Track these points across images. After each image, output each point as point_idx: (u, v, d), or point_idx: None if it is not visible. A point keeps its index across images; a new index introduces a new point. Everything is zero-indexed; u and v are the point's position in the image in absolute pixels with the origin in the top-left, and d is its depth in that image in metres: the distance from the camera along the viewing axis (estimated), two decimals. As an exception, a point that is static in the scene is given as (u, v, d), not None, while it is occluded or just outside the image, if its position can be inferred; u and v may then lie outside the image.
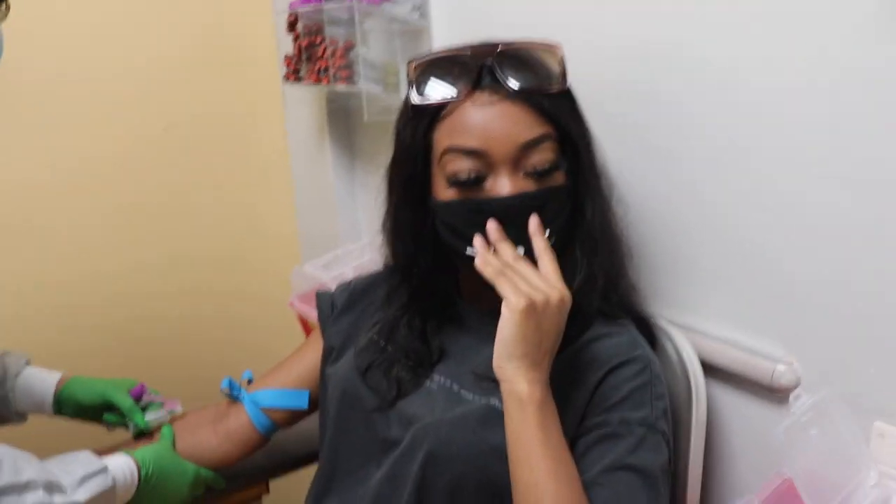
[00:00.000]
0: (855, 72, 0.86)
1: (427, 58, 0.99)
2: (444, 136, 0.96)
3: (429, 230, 1.01)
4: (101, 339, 1.65)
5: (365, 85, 1.43)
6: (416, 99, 0.97)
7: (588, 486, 0.88)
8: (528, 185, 0.95)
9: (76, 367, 1.25)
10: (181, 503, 1.12)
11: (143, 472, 1.04)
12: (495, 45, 0.97)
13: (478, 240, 0.94)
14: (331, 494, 1.10)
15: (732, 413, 1.10)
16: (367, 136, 1.71)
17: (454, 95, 0.95)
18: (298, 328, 1.66)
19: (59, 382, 1.21)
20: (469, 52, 0.97)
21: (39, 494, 0.86)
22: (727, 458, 1.11)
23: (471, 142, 0.94)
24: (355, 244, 1.66)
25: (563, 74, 0.97)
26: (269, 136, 1.84)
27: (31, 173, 1.57)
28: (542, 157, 0.94)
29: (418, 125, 0.98)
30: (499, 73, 0.94)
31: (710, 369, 1.07)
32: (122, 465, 1.01)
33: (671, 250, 1.13)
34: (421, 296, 1.07)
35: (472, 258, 0.94)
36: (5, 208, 1.55)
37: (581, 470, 0.89)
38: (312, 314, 1.25)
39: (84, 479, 0.93)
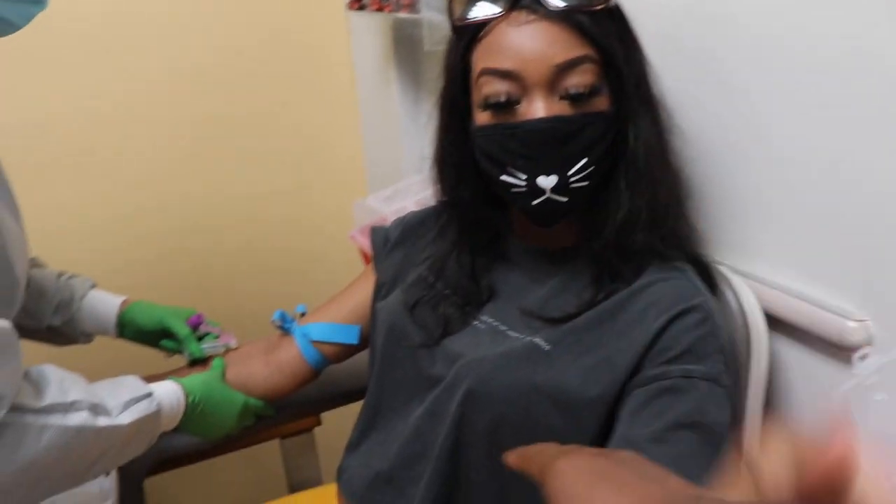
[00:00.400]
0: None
1: None
2: (480, 58, 0.93)
3: (469, 159, 0.98)
4: (162, 269, 1.68)
5: (427, 13, 1.38)
6: (455, 19, 0.94)
7: (651, 443, 0.84)
8: (563, 109, 0.90)
9: (138, 297, 1.27)
10: (229, 432, 1.14)
11: (189, 400, 1.05)
12: None
13: None
14: (375, 429, 1.10)
15: (795, 371, 1.03)
16: (433, 65, 1.65)
17: (491, 14, 0.91)
18: (361, 262, 1.65)
19: (122, 305, 1.24)
20: None
21: (84, 415, 0.88)
22: (790, 420, 1.05)
23: (504, 63, 0.89)
24: (418, 177, 1.63)
25: None
26: (336, 66, 1.81)
27: (94, 102, 1.58)
28: (580, 79, 0.89)
29: (458, 46, 0.95)
30: None
31: (772, 322, 1.01)
32: (168, 392, 1.03)
33: (733, 189, 1.04)
34: (469, 231, 1.05)
35: (507, 185, 0.92)
36: (71, 138, 1.57)
37: (641, 423, 0.86)
38: (372, 247, 1.24)
39: (129, 403, 0.95)
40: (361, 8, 1.56)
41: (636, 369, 0.90)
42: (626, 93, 0.93)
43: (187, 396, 1.05)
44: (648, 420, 0.87)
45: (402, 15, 1.43)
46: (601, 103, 0.91)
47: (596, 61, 0.90)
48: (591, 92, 0.90)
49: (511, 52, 0.89)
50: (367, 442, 1.11)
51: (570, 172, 0.91)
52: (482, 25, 0.92)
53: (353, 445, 1.13)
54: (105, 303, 1.24)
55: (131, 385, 0.98)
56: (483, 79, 0.92)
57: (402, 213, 1.32)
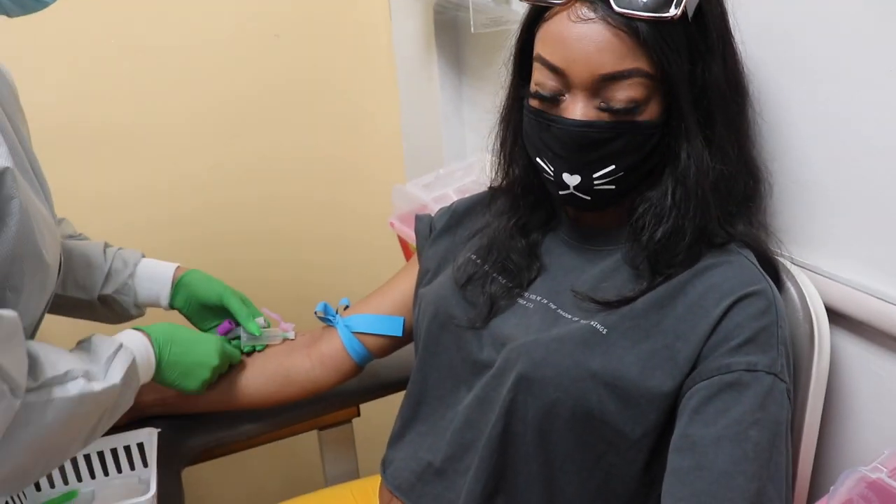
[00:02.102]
0: None
1: None
2: (539, 41, 0.92)
3: (521, 129, 0.98)
4: (196, 257, 1.65)
5: (472, -6, 1.34)
6: None
7: (713, 444, 0.82)
8: (601, 116, 0.88)
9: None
10: (218, 373, 1.12)
11: (156, 344, 1.03)
12: None
13: None
14: (419, 419, 1.08)
15: (859, 368, 0.99)
16: (476, 49, 1.61)
17: (552, 1, 0.88)
18: (399, 248, 1.62)
19: (177, 272, 1.22)
20: None
21: (80, 383, 0.86)
22: (849, 418, 1.01)
23: (553, 58, 0.88)
24: (459, 164, 1.60)
25: None
26: (377, 49, 1.77)
27: (126, 79, 1.55)
28: (624, 93, 0.86)
29: (526, 17, 0.94)
30: None
31: (835, 316, 0.97)
32: (133, 339, 1.00)
33: (795, 181, 1.00)
34: (523, 205, 1.03)
35: (540, 167, 0.93)
36: (104, 114, 1.55)
37: (703, 422, 0.84)
38: (412, 235, 1.22)
39: (109, 360, 0.92)
40: (404, -10, 1.53)
41: (698, 360, 0.87)
42: (681, 109, 0.88)
43: (152, 342, 1.03)
44: (711, 418, 0.84)
45: (447, -4, 1.40)
46: (647, 113, 0.88)
47: (648, 75, 0.86)
48: (634, 107, 0.87)
49: (562, 48, 0.87)
50: (411, 433, 1.08)
51: (595, 176, 0.90)
52: (546, 7, 0.90)
53: (396, 437, 1.10)
54: (160, 268, 1.22)
55: (101, 343, 0.95)
56: (537, 64, 0.91)
57: (442, 201, 1.29)
